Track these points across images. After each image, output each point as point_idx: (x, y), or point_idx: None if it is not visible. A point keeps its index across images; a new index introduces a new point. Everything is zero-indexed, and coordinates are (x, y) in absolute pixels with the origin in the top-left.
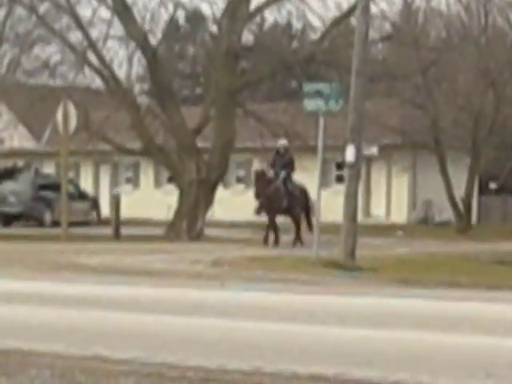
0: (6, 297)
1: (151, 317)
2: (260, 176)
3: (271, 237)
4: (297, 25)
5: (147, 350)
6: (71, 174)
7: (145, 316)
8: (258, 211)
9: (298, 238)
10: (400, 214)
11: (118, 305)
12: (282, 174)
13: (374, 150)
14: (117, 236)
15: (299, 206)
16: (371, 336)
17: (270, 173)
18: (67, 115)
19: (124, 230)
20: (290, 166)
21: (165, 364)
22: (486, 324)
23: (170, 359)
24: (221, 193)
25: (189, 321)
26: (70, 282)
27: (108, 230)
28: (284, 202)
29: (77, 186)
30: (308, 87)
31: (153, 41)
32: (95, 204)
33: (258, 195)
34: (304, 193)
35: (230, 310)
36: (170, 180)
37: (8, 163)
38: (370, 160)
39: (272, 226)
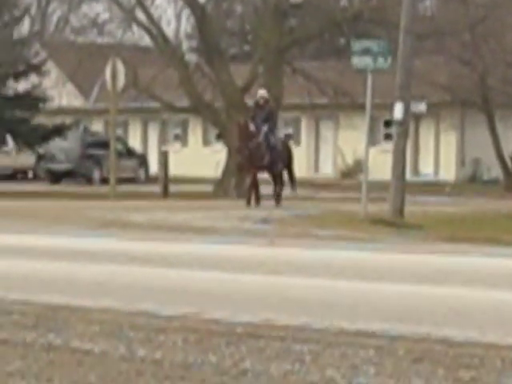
0: (54, 253)
1: (199, 273)
2: (243, 129)
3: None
4: None
5: (196, 305)
6: (120, 132)
7: (192, 272)
8: (240, 168)
9: (278, 196)
10: (448, 172)
11: (166, 261)
12: (264, 128)
13: (422, 108)
14: (165, 193)
15: (282, 162)
16: (418, 292)
17: (252, 126)
18: (116, 73)
19: (172, 188)
20: (271, 119)
21: (213, 320)
22: None
23: (219, 315)
24: None
25: (237, 277)
26: (119, 238)
27: (156, 188)
28: (265, 159)
29: (125, 144)
30: (356, 45)
31: None
32: (144, 161)
33: (240, 150)
34: (286, 147)
35: (278, 266)
36: (219, 138)
37: (57, 121)
38: (418, 118)
39: (253, 184)
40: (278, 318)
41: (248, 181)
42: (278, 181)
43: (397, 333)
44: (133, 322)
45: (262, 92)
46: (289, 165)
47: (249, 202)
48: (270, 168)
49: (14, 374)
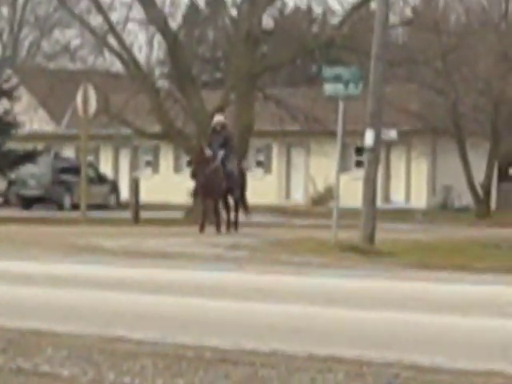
0: (24, 278)
1: (169, 298)
2: (198, 154)
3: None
4: (317, 9)
5: (165, 331)
6: (91, 158)
7: (163, 297)
8: (195, 194)
9: (235, 223)
10: (419, 199)
11: (136, 286)
12: (220, 153)
13: (393, 135)
14: (136, 220)
15: (238, 188)
16: (388, 318)
17: (208, 152)
18: (87, 99)
19: (143, 214)
20: (228, 144)
21: (182, 345)
22: (503, 306)
23: (188, 340)
24: None
25: (206, 302)
26: (89, 263)
27: (127, 214)
28: (223, 184)
29: (96, 170)
30: (328, 71)
31: (173, 25)
32: (114, 187)
33: (194, 176)
34: (241, 173)
35: (248, 292)
36: (190, 164)
37: (28, 146)
38: (389, 145)
39: (215, 211)
40: (247, 343)
41: (200, 207)
42: (234, 207)
43: (366, 358)
44: (103, 346)
45: (219, 118)
46: (242, 190)
47: (202, 228)
48: (227, 195)
49: None
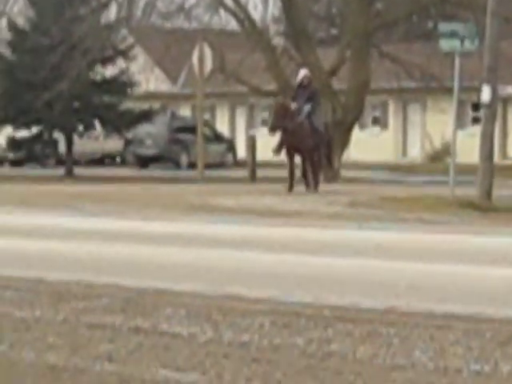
0: (142, 237)
1: (287, 256)
2: (280, 108)
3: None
4: None
5: (284, 288)
6: (207, 117)
7: (281, 255)
8: (278, 150)
9: (317, 181)
10: None
11: (255, 244)
12: (306, 107)
13: (510, 91)
14: (253, 178)
15: (324, 145)
16: (508, 275)
17: (293, 105)
18: (203, 57)
19: (260, 172)
20: (315, 100)
21: (301, 303)
22: None
23: (306, 298)
24: (356, 134)
25: (325, 260)
26: (207, 222)
27: (244, 172)
28: (310, 141)
29: (213, 129)
30: (444, 27)
31: None
32: (231, 146)
33: (274, 129)
34: (327, 129)
35: (366, 250)
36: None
37: (144, 106)
38: (506, 100)
39: (303, 168)
40: (365, 300)
41: (287, 163)
42: (318, 166)
43: (485, 315)
44: (221, 305)
45: (305, 71)
46: (329, 147)
47: (291, 187)
48: (314, 151)
49: (102, 356)
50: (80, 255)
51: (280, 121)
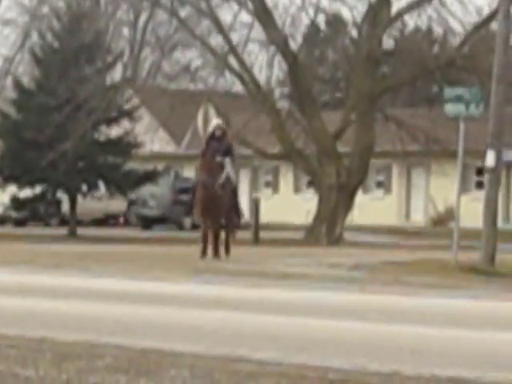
0: (146, 298)
1: (291, 319)
2: (208, 162)
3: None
4: (437, 29)
5: (288, 351)
6: None
7: (285, 318)
8: (190, 211)
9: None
10: None
11: (257, 307)
12: (227, 161)
13: None
14: (256, 240)
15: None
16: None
17: (218, 159)
18: (208, 119)
19: (263, 234)
20: (232, 153)
21: (305, 365)
22: None
23: (311, 360)
24: (360, 197)
25: (327, 323)
26: (210, 284)
27: (247, 234)
28: (227, 202)
29: None
30: (449, 92)
31: (293, 45)
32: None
33: (205, 185)
34: (234, 191)
35: (369, 313)
36: (310, 185)
37: (148, 167)
38: (510, 165)
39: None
40: (370, 364)
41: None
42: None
43: (489, 379)
44: (225, 366)
45: (218, 121)
46: (236, 204)
47: (204, 253)
48: (231, 213)
49: None
50: (84, 315)
51: (208, 177)
